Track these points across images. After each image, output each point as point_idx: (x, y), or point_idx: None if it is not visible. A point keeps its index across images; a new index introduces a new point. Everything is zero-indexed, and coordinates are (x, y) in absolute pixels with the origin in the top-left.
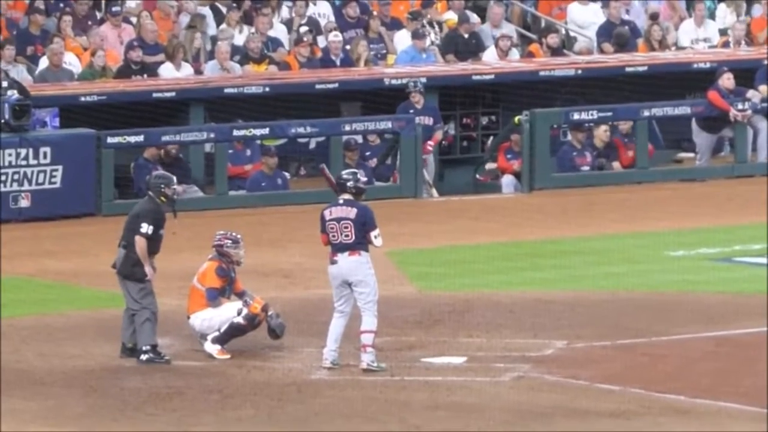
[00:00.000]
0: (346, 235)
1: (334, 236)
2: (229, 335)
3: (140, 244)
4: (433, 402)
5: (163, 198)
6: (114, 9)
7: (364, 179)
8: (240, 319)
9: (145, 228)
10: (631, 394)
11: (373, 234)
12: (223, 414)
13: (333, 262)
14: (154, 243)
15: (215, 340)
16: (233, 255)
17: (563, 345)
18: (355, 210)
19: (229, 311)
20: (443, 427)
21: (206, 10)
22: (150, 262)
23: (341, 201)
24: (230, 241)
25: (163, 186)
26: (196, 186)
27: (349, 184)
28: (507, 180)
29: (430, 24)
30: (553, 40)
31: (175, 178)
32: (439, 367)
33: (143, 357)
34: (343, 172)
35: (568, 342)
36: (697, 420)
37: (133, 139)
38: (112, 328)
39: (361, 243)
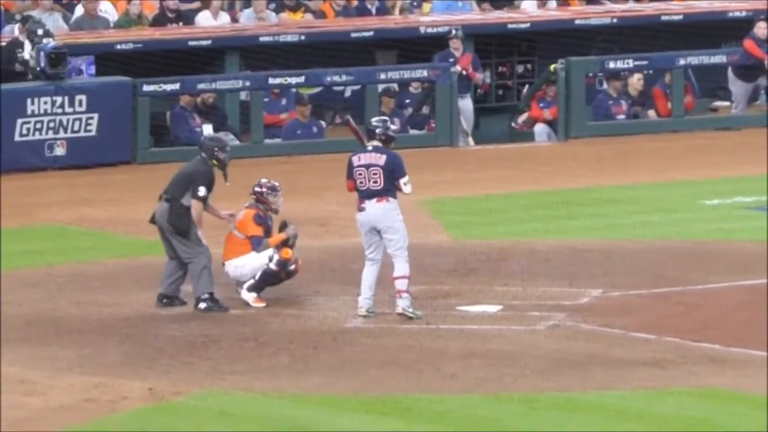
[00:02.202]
0: (375, 182)
1: (361, 183)
2: (263, 282)
3: (196, 207)
4: (469, 350)
5: (215, 161)
6: None
7: (394, 127)
8: (272, 266)
9: (203, 192)
10: (666, 343)
11: (402, 181)
12: (258, 362)
13: (360, 210)
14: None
15: (251, 288)
16: (272, 202)
17: (598, 294)
18: (384, 157)
19: (261, 258)
20: (478, 375)
21: None
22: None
23: (370, 147)
24: (268, 189)
25: (216, 149)
26: (232, 134)
27: (378, 130)
28: (540, 129)
29: None
30: None
31: (228, 142)
32: (474, 316)
33: (201, 305)
34: (373, 119)
35: (604, 291)
36: (731, 369)
37: (168, 87)
38: (148, 276)
39: (389, 190)
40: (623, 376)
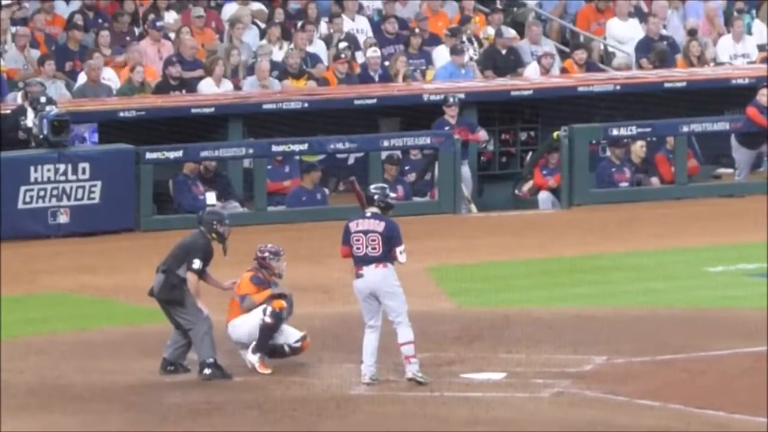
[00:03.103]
0: (373, 248)
1: (358, 249)
2: (264, 339)
3: (191, 279)
4: (473, 418)
5: (214, 235)
6: (158, 24)
7: (393, 195)
8: (267, 318)
9: (198, 264)
10: (671, 410)
11: (398, 249)
12: (262, 429)
13: (358, 276)
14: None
15: (255, 349)
16: (275, 267)
17: (603, 361)
18: (383, 224)
19: (256, 314)
20: None
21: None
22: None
23: (368, 214)
24: (271, 254)
25: (215, 222)
26: (236, 202)
27: (377, 197)
28: (543, 196)
29: (469, 40)
30: (579, 56)
31: (226, 216)
32: (478, 383)
33: (206, 371)
34: (372, 187)
35: (608, 358)
36: None
37: (171, 154)
38: (151, 343)
39: (387, 257)
40: None
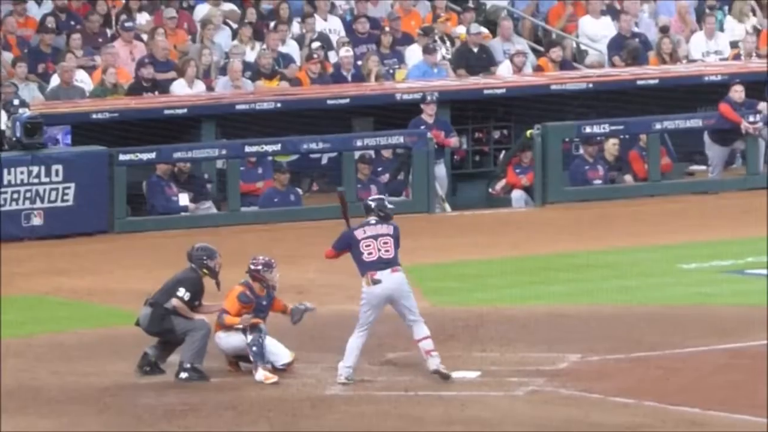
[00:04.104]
0: (387, 251)
1: (370, 254)
2: (258, 355)
3: (179, 305)
4: (448, 417)
5: (205, 270)
6: (127, 24)
7: (391, 205)
8: (250, 337)
9: (182, 293)
10: (646, 408)
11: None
12: (237, 430)
13: (375, 282)
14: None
15: (255, 367)
16: (268, 279)
17: (577, 359)
18: (391, 227)
19: (238, 337)
20: None
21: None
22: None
23: (372, 221)
24: (264, 266)
25: (205, 258)
26: (210, 202)
27: (374, 205)
28: (517, 195)
29: (441, 39)
30: (556, 54)
31: (216, 251)
32: (453, 382)
33: (183, 375)
34: (370, 198)
35: (582, 355)
36: None
37: (145, 156)
38: (125, 345)
39: (398, 259)
40: None
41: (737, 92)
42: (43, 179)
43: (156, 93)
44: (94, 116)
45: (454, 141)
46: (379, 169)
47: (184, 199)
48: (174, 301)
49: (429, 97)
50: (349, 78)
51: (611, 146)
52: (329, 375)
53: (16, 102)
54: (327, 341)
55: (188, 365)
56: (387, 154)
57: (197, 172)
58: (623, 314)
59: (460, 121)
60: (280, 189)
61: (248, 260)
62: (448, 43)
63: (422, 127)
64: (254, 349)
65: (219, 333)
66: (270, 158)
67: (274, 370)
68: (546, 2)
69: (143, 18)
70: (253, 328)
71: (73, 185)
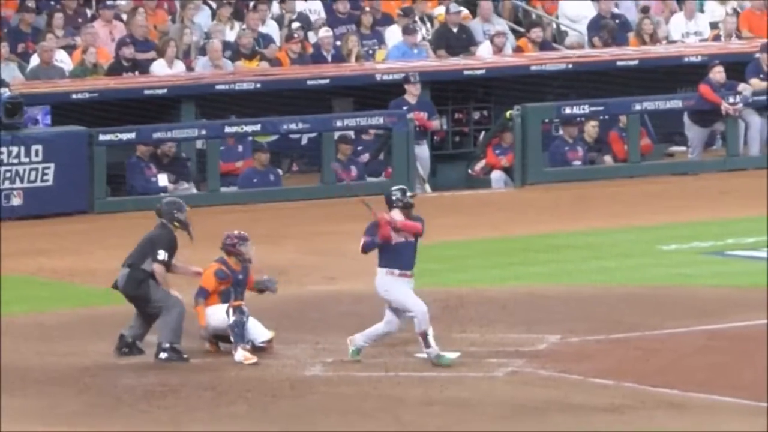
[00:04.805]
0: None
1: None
2: (239, 336)
3: (159, 270)
4: (427, 398)
5: (176, 224)
6: (108, 3)
7: (411, 194)
8: (233, 318)
9: (163, 255)
10: (625, 389)
11: None
12: (217, 411)
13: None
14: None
15: (235, 347)
16: (243, 252)
17: (556, 339)
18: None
19: (220, 314)
20: (437, 422)
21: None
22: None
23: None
24: (239, 239)
25: (175, 211)
26: (190, 183)
27: (395, 199)
28: (496, 176)
29: (421, 19)
30: (536, 34)
31: (184, 204)
32: (432, 362)
33: (162, 355)
34: (393, 188)
35: (562, 336)
36: (691, 414)
37: (125, 136)
38: (106, 325)
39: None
40: (582, 423)
41: (718, 73)
42: (23, 159)
43: (136, 73)
44: (74, 96)
45: (435, 124)
46: (359, 148)
47: (163, 179)
48: (155, 266)
49: (413, 78)
50: (329, 58)
51: (591, 128)
52: (308, 356)
53: None
54: (306, 322)
55: (167, 345)
56: (368, 135)
57: (178, 153)
58: (603, 295)
59: (440, 101)
60: (259, 169)
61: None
62: (428, 24)
63: (404, 108)
64: (236, 330)
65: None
66: (250, 138)
67: (254, 349)
68: None
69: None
70: (236, 309)
71: (52, 165)
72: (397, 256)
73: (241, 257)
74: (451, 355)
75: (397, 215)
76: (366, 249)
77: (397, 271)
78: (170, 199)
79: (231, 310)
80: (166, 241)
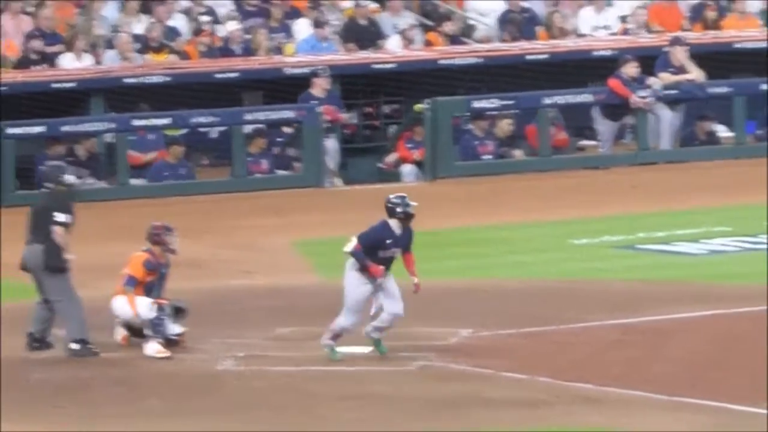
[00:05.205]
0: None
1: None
2: (159, 331)
3: (59, 231)
4: (341, 392)
5: (63, 186)
6: None
7: (413, 203)
8: (153, 313)
9: (62, 217)
10: (539, 383)
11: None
12: (130, 406)
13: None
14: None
15: (151, 341)
16: (169, 242)
17: (469, 333)
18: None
19: (143, 304)
20: (351, 416)
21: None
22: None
23: (396, 230)
24: (164, 229)
25: (60, 175)
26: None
27: (398, 210)
28: (407, 169)
29: (331, 12)
30: (449, 27)
31: (65, 165)
32: (345, 357)
33: (73, 346)
34: (392, 196)
35: (474, 330)
36: (605, 408)
37: (34, 129)
38: (15, 320)
39: None
40: (496, 417)
41: (632, 68)
42: None
43: (44, 66)
44: None
45: (344, 117)
46: (279, 140)
47: (70, 178)
48: (56, 229)
49: (321, 72)
50: (238, 52)
51: (505, 125)
52: (222, 350)
53: None
54: (221, 316)
55: (76, 339)
56: (279, 127)
57: (95, 151)
58: (516, 289)
59: (350, 95)
60: (171, 162)
61: (141, 235)
62: (337, 16)
63: (312, 102)
64: (156, 326)
65: (120, 298)
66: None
67: (167, 342)
68: None
69: None
70: (160, 306)
71: None
72: (383, 264)
73: (167, 248)
74: (346, 349)
75: (395, 226)
76: (355, 257)
77: (367, 279)
78: (51, 164)
79: (154, 306)
80: (60, 204)
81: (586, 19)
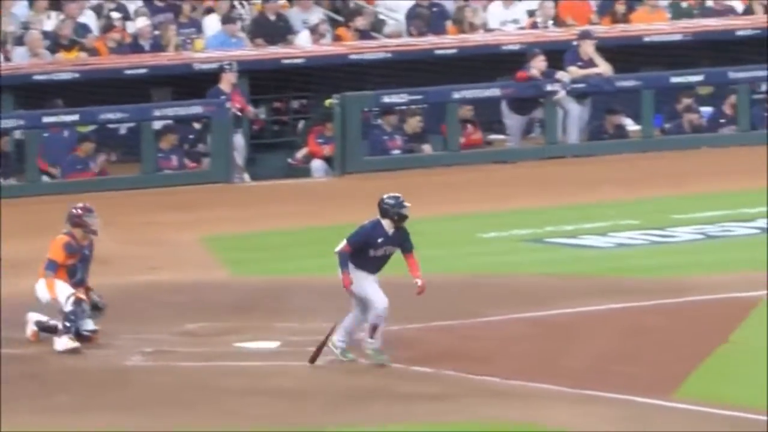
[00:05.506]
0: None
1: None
2: (71, 322)
3: None
4: (249, 387)
5: None
6: None
7: (408, 205)
8: (70, 306)
9: None
10: (447, 377)
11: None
12: (38, 401)
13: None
14: None
15: (62, 333)
16: (90, 224)
17: None
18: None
19: (63, 292)
20: (259, 412)
21: None
22: None
23: (389, 231)
24: (84, 210)
25: None
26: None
27: (393, 211)
28: (317, 164)
29: (241, 6)
30: (359, 22)
31: None
32: (253, 353)
33: None
34: (386, 196)
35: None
36: (512, 402)
37: None
38: None
39: None
40: (404, 411)
41: (540, 62)
42: None
43: None
44: None
45: (251, 109)
46: (191, 137)
47: None
48: None
49: (228, 67)
50: (147, 47)
51: (414, 122)
52: (131, 345)
53: None
54: (129, 312)
55: None
56: (187, 123)
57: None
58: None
59: (259, 91)
60: (81, 157)
61: (51, 232)
62: (246, 9)
63: (222, 97)
64: (70, 319)
65: (40, 282)
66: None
67: (79, 337)
68: None
69: None
70: (78, 301)
71: None
72: (371, 263)
73: (88, 229)
74: (253, 345)
75: (388, 226)
76: (338, 259)
77: (365, 273)
78: None
79: (72, 299)
80: None
81: (495, 14)
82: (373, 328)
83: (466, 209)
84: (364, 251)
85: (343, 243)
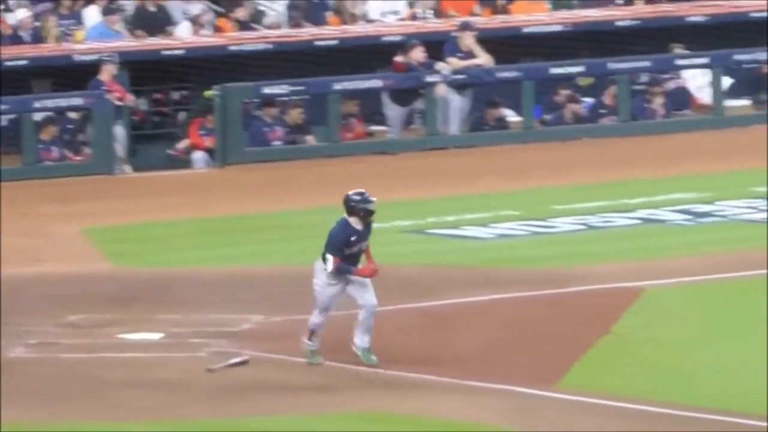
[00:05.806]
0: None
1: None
2: None
3: None
4: (132, 378)
5: None
6: None
7: (373, 199)
8: None
9: None
10: (331, 368)
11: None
12: None
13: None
14: None
15: None
16: None
17: (260, 319)
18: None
19: None
20: (142, 403)
21: None
22: None
23: (358, 227)
24: None
25: None
26: None
27: (359, 207)
28: (198, 156)
29: None
30: (240, 13)
31: None
32: (136, 344)
33: None
34: (351, 193)
35: (265, 316)
36: (397, 392)
37: None
38: None
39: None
40: (287, 402)
41: (420, 53)
42: None
43: None
44: None
45: (130, 98)
46: (69, 127)
47: None
48: None
49: (107, 58)
50: (28, 38)
51: (296, 114)
52: (13, 336)
53: None
54: (11, 304)
55: None
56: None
57: None
58: (307, 275)
59: (139, 82)
60: None
61: None
62: (126, 0)
63: (102, 88)
64: None
65: None
66: None
67: None
68: None
69: None
70: None
71: None
72: (347, 261)
73: None
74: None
75: (355, 223)
76: (341, 272)
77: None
78: None
79: None
80: None
81: (376, 5)
82: (310, 333)
83: None
84: (341, 252)
85: (329, 259)
